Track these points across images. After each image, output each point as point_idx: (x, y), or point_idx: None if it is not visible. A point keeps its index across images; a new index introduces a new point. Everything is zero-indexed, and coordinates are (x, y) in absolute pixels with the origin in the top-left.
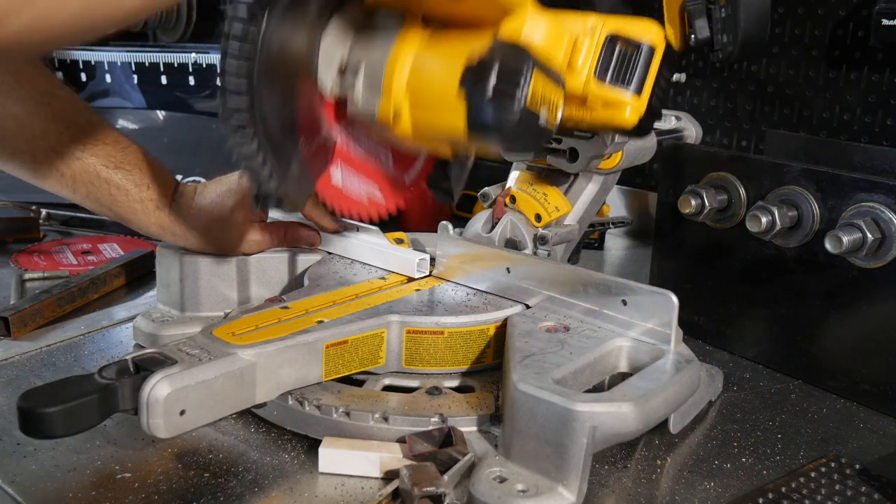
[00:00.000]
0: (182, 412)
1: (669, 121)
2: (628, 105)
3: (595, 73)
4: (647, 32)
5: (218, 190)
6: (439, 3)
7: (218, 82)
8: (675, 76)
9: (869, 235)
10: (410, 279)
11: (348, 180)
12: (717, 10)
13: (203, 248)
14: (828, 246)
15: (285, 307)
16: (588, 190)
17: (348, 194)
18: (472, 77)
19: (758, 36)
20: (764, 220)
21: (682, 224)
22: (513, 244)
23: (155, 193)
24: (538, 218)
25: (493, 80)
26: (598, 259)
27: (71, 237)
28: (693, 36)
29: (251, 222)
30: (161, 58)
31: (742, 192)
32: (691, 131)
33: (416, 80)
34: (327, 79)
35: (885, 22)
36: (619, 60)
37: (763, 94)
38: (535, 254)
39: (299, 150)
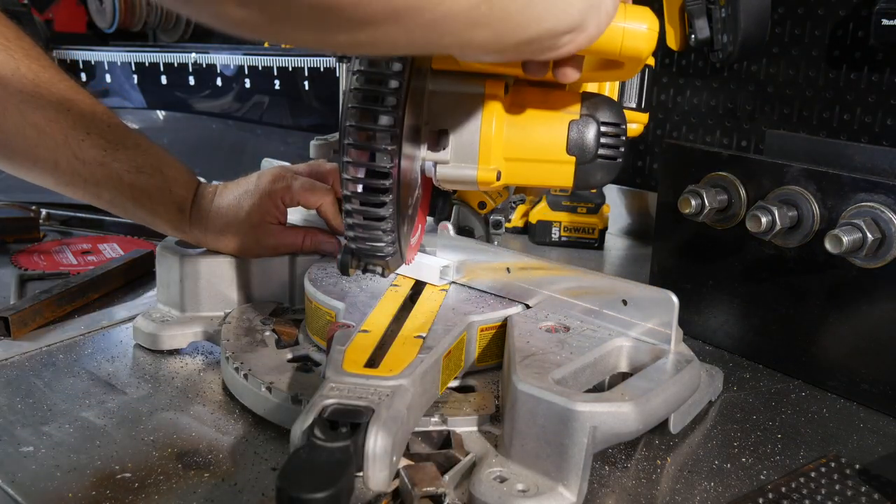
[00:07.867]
0: (394, 458)
1: None
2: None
3: None
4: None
5: (236, 192)
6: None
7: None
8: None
9: (869, 235)
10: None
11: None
12: (717, 10)
13: (222, 250)
14: (828, 246)
15: (365, 331)
16: None
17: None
18: (578, 137)
19: (758, 36)
20: (764, 220)
21: (682, 224)
22: (468, 232)
23: (177, 197)
24: (482, 205)
25: (598, 140)
26: (598, 259)
27: (71, 237)
28: (693, 36)
29: (269, 224)
30: (161, 58)
31: (742, 192)
32: None
33: (514, 147)
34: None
35: (885, 22)
36: None
37: (763, 94)
38: (488, 240)
39: (409, 212)
